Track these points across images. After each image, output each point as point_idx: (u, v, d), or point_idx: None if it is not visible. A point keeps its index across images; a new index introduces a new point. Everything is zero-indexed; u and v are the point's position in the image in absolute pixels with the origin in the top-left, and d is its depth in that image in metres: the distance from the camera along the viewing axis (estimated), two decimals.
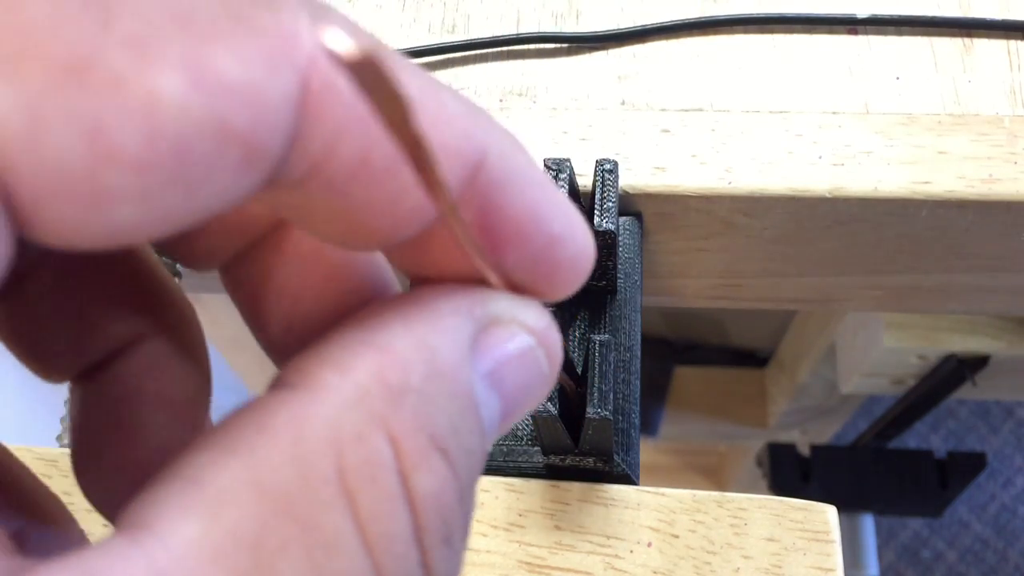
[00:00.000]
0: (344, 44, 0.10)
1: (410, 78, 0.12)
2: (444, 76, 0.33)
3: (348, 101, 0.11)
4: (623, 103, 0.33)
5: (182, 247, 0.16)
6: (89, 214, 0.10)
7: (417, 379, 0.12)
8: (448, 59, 0.34)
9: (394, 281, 0.17)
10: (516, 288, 0.15)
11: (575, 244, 0.14)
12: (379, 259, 0.16)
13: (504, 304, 0.14)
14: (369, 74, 0.10)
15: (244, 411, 0.12)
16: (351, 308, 0.15)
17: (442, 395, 0.13)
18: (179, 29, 0.10)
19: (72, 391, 0.16)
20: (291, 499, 0.11)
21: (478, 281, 0.14)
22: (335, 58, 0.10)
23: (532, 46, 0.34)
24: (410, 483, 0.12)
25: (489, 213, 0.13)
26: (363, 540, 0.11)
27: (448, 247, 0.14)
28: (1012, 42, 0.33)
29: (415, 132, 0.11)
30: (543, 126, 0.32)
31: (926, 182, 0.30)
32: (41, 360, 0.16)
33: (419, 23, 0.35)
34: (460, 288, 0.14)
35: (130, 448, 0.16)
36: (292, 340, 0.16)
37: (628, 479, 0.28)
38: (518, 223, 0.14)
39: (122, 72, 0.10)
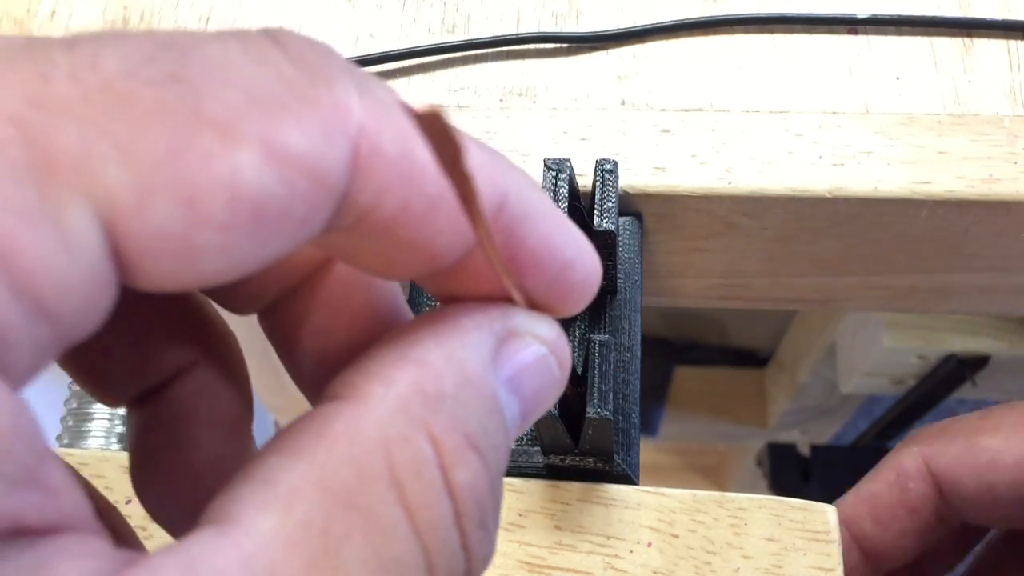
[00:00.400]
0: (418, 102, 0.12)
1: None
2: (444, 76, 0.33)
3: (391, 160, 0.14)
4: (623, 103, 0.33)
5: (229, 293, 0.18)
6: (181, 265, 0.12)
7: (450, 387, 0.15)
8: (448, 59, 0.34)
9: (407, 308, 0.19)
10: (535, 306, 0.17)
11: (584, 268, 0.17)
12: (396, 291, 0.19)
13: (520, 319, 0.17)
14: (434, 124, 0.12)
15: (303, 421, 0.14)
16: (372, 336, 0.17)
17: (472, 400, 0.15)
18: (254, 110, 0.12)
19: (129, 414, 0.19)
20: (350, 493, 0.13)
21: (500, 299, 0.16)
22: (410, 111, 0.12)
23: (532, 46, 0.34)
24: (450, 476, 0.14)
25: (511, 245, 0.16)
26: (413, 526, 0.13)
27: (471, 273, 0.16)
28: (1012, 42, 0.33)
29: (465, 171, 0.13)
30: (543, 126, 0.32)
31: (926, 182, 0.30)
32: (102, 386, 0.18)
33: (419, 23, 0.35)
34: (480, 306, 0.16)
35: (184, 464, 0.18)
36: (322, 372, 0.18)
37: (628, 479, 0.28)
38: (536, 252, 0.16)
39: (211, 151, 0.12)
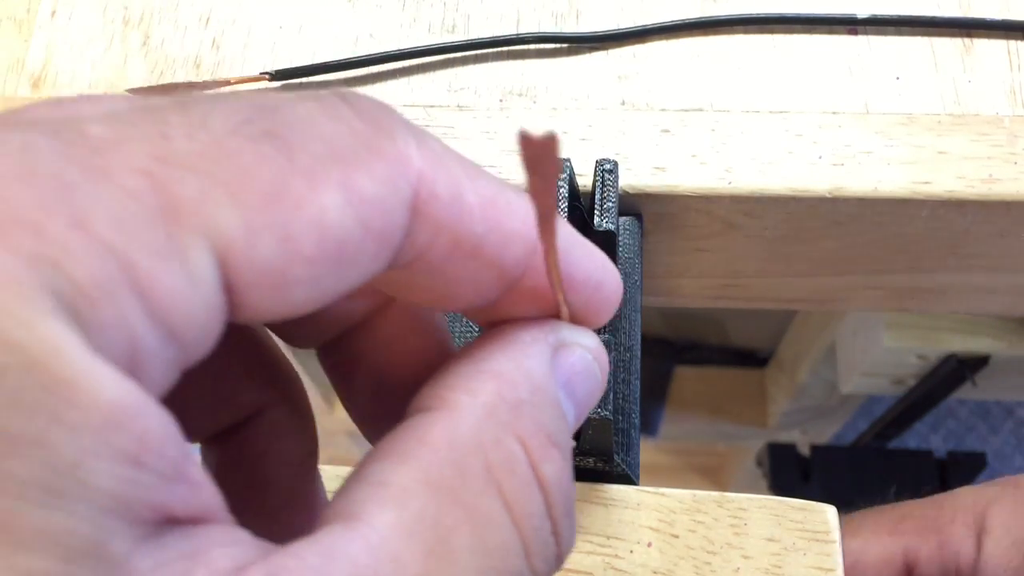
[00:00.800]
0: (534, 131, 0.14)
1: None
2: (444, 76, 0.33)
3: (444, 203, 0.16)
4: (623, 103, 0.33)
5: (299, 327, 0.20)
6: (279, 295, 0.14)
7: (526, 394, 0.17)
8: (448, 59, 0.34)
9: (453, 342, 0.21)
10: (575, 320, 0.19)
11: (612, 285, 0.19)
12: (444, 330, 0.21)
13: (567, 331, 0.19)
14: (538, 152, 0.14)
15: (402, 430, 0.16)
16: (424, 370, 0.19)
17: (545, 404, 0.17)
18: (334, 160, 0.14)
19: (204, 452, 0.20)
20: (456, 491, 0.15)
21: (545, 317, 0.19)
22: (523, 138, 0.14)
23: (532, 46, 0.34)
24: (539, 472, 0.16)
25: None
26: (511, 517, 0.16)
27: (513, 302, 0.18)
28: (1012, 42, 0.33)
29: (551, 199, 0.15)
30: (543, 126, 0.32)
31: (926, 182, 0.30)
32: (183, 420, 0.19)
33: (419, 23, 0.35)
34: (532, 323, 0.18)
35: (257, 501, 0.20)
36: (377, 404, 0.20)
37: (628, 479, 0.28)
38: (572, 275, 0.18)
39: (302, 195, 0.14)
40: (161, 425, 0.13)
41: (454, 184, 0.16)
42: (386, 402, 0.19)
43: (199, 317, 0.13)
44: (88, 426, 0.12)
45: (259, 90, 0.15)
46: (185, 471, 0.13)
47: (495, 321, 0.19)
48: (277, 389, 0.20)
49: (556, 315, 0.19)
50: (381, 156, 0.15)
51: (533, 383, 0.17)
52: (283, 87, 0.33)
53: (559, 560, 0.17)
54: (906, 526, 0.36)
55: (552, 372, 0.18)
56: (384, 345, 0.20)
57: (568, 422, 0.18)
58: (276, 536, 0.15)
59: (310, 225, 0.14)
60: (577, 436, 0.26)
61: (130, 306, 0.12)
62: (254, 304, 0.14)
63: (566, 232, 0.18)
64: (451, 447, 0.16)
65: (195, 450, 0.16)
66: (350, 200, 0.14)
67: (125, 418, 0.12)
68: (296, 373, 0.21)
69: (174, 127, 0.14)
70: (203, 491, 0.13)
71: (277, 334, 0.20)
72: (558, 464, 0.17)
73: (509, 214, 0.17)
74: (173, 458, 0.13)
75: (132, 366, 0.13)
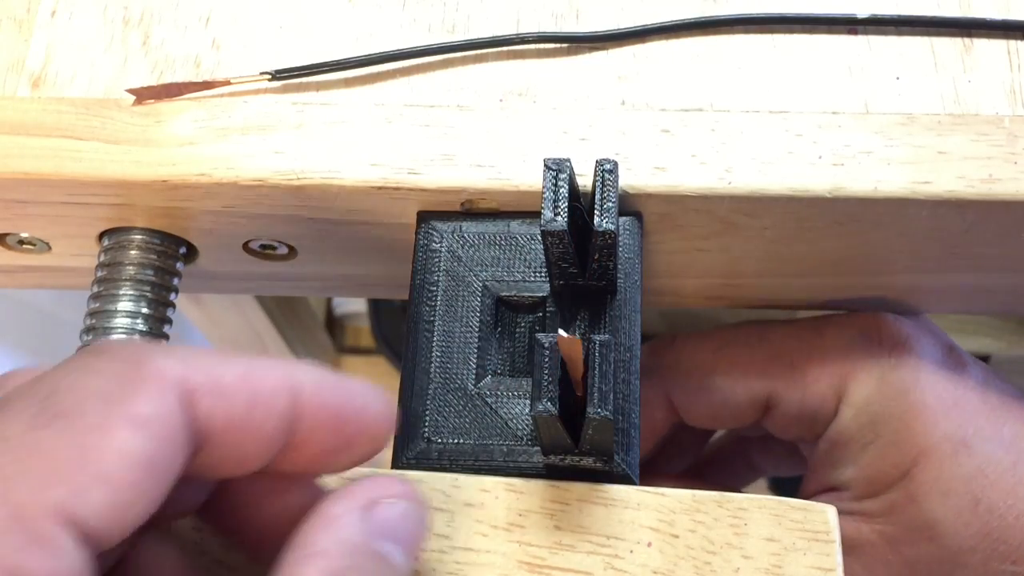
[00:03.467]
0: (564, 334, 0.23)
1: None
2: (444, 76, 0.33)
3: (209, 390, 0.20)
4: (623, 103, 0.33)
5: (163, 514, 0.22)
6: (130, 517, 0.19)
7: (347, 560, 0.21)
8: (448, 59, 0.34)
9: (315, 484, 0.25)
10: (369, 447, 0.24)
11: (376, 403, 0.24)
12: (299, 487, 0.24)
13: (374, 489, 0.23)
14: (568, 347, 0.24)
15: None
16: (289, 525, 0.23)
17: (363, 562, 0.21)
18: (110, 405, 0.19)
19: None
20: None
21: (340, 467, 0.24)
22: (560, 339, 0.24)
23: (532, 46, 0.34)
24: None
25: (326, 416, 0.22)
26: None
27: (297, 456, 0.23)
28: (1012, 42, 0.33)
29: (581, 371, 0.24)
30: (543, 126, 0.32)
31: (926, 182, 0.30)
32: None
33: (419, 23, 0.35)
34: (341, 494, 0.22)
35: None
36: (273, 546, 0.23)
37: (628, 479, 0.28)
38: (328, 411, 0.22)
39: (98, 447, 0.18)
40: None
41: (208, 372, 0.20)
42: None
43: (77, 569, 0.17)
44: None
45: (34, 379, 0.20)
46: None
47: (306, 464, 0.23)
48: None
49: (353, 439, 0.23)
50: (143, 381, 0.19)
51: (348, 549, 0.21)
52: (283, 86, 0.33)
53: None
54: (775, 370, 0.38)
55: (366, 531, 0.22)
56: (236, 512, 0.24)
57: (393, 563, 0.22)
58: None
59: (118, 462, 0.18)
60: (577, 436, 0.26)
61: None
62: (111, 534, 0.18)
63: (317, 380, 0.22)
64: None
65: None
66: (136, 426, 0.19)
67: None
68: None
69: None
70: None
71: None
72: None
73: (264, 377, 0.21)
74: None
75: None
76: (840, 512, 0.34)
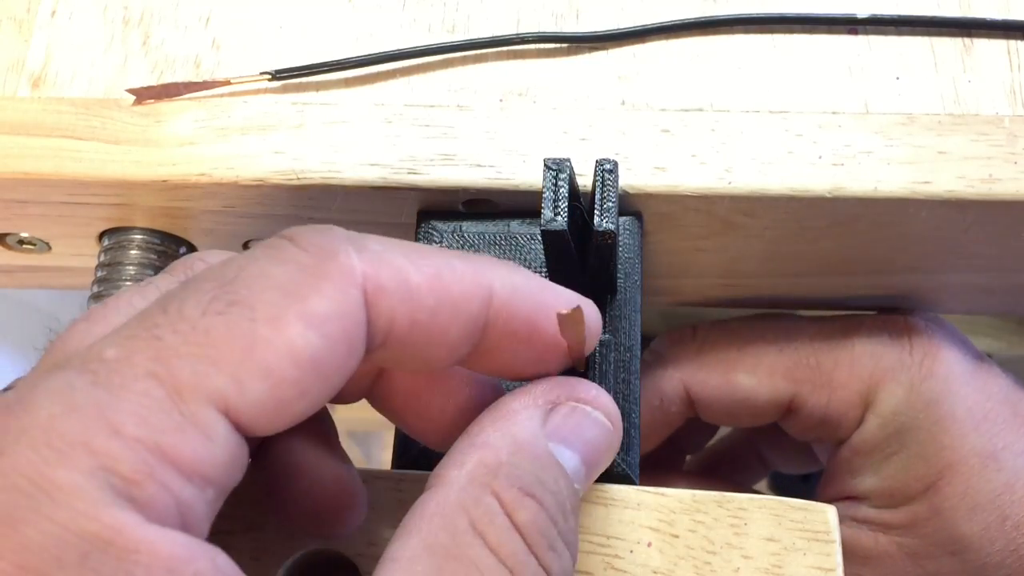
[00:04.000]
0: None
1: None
2: (444, 76, 0.33)
3: (391, 291, 0.19)
4: (623, 103, 0.33)
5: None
6: (279, 416, 0.18)
7: (505, 456, 0.20)
8: (448, 59, 0.34)
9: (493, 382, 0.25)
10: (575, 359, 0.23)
11: (590, 319, 0.23)
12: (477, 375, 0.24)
13: (561, 390, 0.22)
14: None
15: (409, 511, 0.20)
16: (474, 406, 0.23)
17: (524, 461, 0.20)
18: (288, 298, 0.18)
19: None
20: (449, 549, 0.19)
21: (542, 373, 0.23)
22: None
23: (532, 46, 0.34)
24: (514, 519, 0.20)
25: (514, 321, 0.22)
26: (499, 559, 0.19)
27: (494, 357, 0.22)
28: (1012, 42, 0.33)
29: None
30: (543, 126, 0.32)
31: (926, 182, 0.30)
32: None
33: (419, 23, 0.35)
34: (525, 391, 0.22)
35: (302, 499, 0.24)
36: (441, 437, 0.24)
37: (628, 479, 0.28)
38: (530, 318, 0.22)
39: (269, 339, 0.18)
40: (210, 563, 0.16)
41: (397, 272, 0.19)
42: (450, 432, 0.23)
43: (223, 462, 0.17)
44: None
45: (223, 261, 0.20)
46: None
47: (493, 369, 0.23)
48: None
49: (545, 351, 0.22)
50: (327, 277, 0.19)
51: (515, 445, 0.21)
52: (283, 86, 0.33)
53: None
54: (801, 375, 0.37)
55: (540, 430, 0.21)
56: (410, 394, 0.24)
57: (564, 470, 0.21)
58: (323, 523, 0.22)
59: (283, 358, 0.18)
60: None
61: (168, 477, 0.16)
62: (265, 428, 0.18)
63: (512, 282, 0.21)
64: (442, 515, 0.19)
65: None
66: (310, 323, 0.18)
67: (180, 564, 0.16)
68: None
69: (162, 328, 0.18)
70: None
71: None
72: (532, 510, 0.20)
73: (455, 280, 0.20)
74: None
75: (182, 520, 0.17)
76: (858, 521, 0.34)
